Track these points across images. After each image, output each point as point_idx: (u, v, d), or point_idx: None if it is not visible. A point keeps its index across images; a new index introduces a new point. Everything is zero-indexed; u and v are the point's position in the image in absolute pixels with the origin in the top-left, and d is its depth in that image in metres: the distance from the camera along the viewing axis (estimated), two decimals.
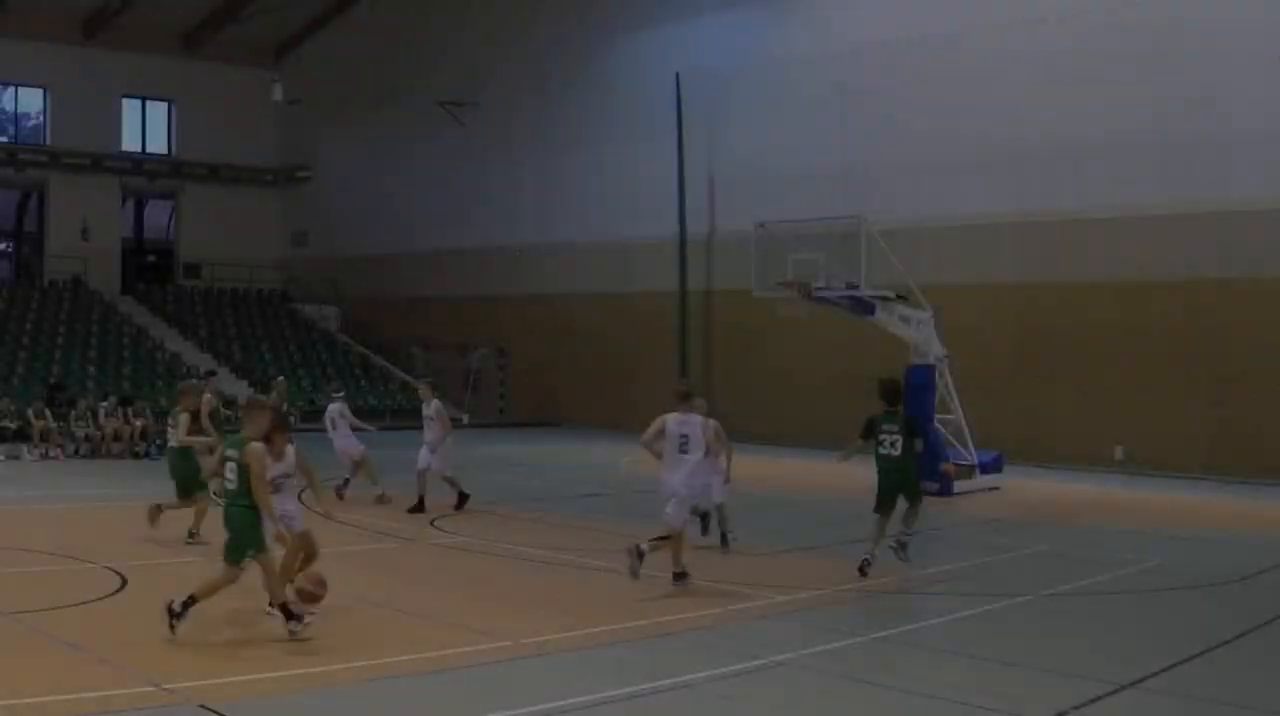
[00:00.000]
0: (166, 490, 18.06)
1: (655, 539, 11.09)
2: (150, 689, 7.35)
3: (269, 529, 9.13)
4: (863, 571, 11.61)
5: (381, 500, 16.37)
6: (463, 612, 10.00)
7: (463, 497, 16.05)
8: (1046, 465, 23.37)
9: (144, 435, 23.32)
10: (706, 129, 30.59)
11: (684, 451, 11.11)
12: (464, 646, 8.73)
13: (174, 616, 8.61)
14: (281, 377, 21.54)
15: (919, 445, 12.07)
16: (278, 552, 9.48)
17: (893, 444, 11.77)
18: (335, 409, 17.50)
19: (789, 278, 20.26)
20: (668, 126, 30.98)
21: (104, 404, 23.74)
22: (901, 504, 11.95)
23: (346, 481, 16.94)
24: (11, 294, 35.30)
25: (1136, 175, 23.26)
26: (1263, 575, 12.66)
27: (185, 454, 13.31)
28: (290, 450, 9.72)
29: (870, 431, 12.00)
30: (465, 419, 32.17)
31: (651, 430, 11.18)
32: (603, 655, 8.68)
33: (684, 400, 11.37)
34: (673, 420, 11.16)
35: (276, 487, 9.39)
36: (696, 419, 11.31)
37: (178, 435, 13.45)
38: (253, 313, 39.24)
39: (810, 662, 8.52)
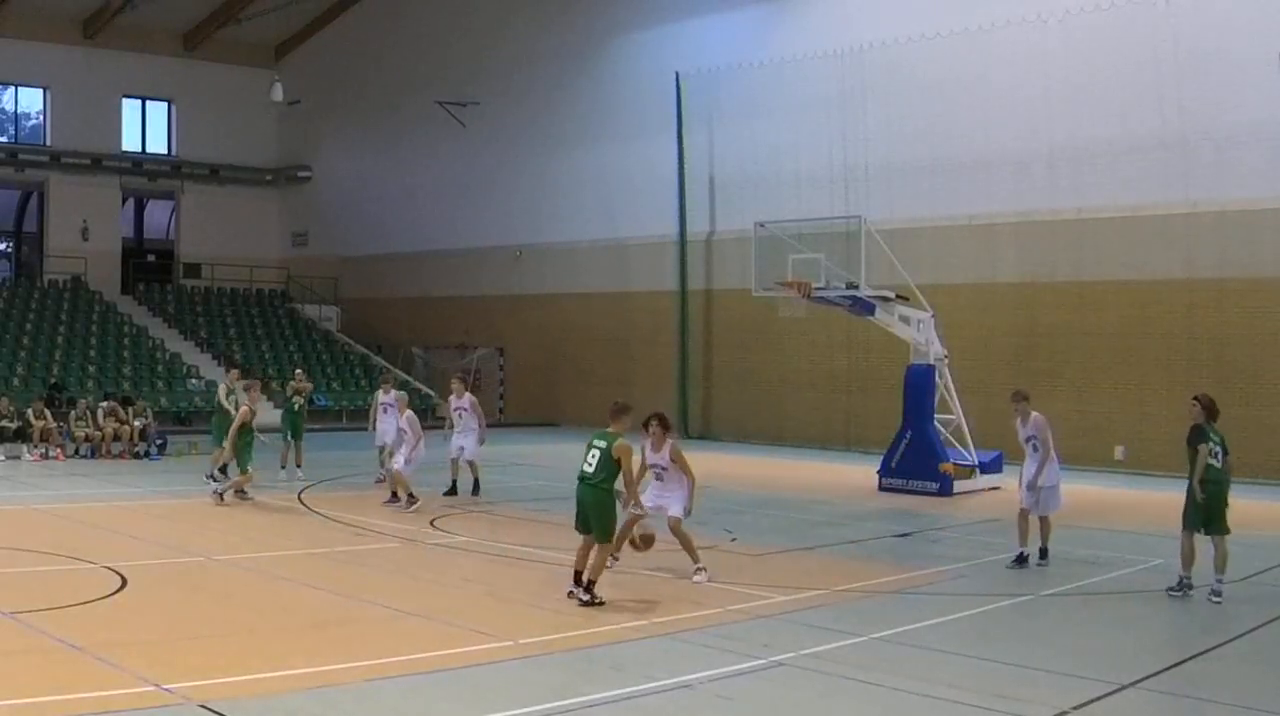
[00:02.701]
0: (165, 489, 18.12)
1: None
2: (150, 689, 7.35)
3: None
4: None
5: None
6: (463, 612, 10.00)
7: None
8: None
9: (144, 435, 23.29)
10: (706, 129, 30.59)
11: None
12: (464, 646, 8.73)
13: (591, 603, 9.90)
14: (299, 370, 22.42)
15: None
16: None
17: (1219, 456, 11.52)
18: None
19: (789, 278, 20.25)
20: (668, 126, 30.98)
21: (104, 404, 23.71)
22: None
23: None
24: (11, 294, 35.30)
25: (1136, 175, 23.26)
26: (1263, 575, 12.66)
27: None
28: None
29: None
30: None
31: None
32: (603, 655, 8.67)
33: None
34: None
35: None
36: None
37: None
38: (253, 313, 39.24)
39: (810, 662, 8.51)
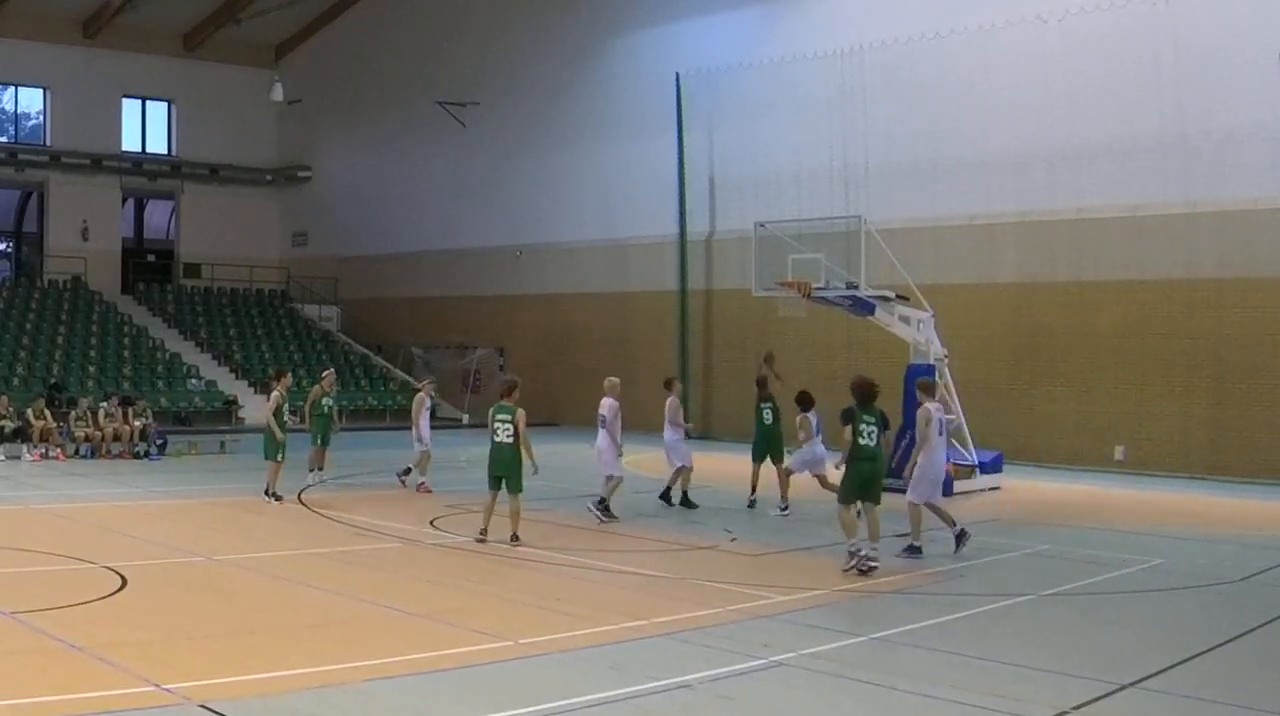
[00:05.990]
0: (165, 489, 18.12)
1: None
2: (150, 689, 7.35)
3: None
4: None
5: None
6: (463, 612, 10.01)
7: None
8: (1046, 465, 23.37)
9: (144, 435, 23.29)
10: (706, 129, 30.58)
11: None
12: (464, 646, 8.73)
13: None
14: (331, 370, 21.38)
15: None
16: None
17: (872, 436, 12.05)
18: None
19: (789, 278, 20.25)
20: (668, 126, 30.98)
21: (104, 404, 23.72)
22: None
23: (408, 470, 18.82)
24: (11, 294, 35.31)
25: (1136, 175, 23.26)
26: (1263, 575, 12.66)
27: None
28: None
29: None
30: (464, 419, 32.19)
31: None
32: (603, 655, 8.67)
33: None
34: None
35: None
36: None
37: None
38: (253, 313, 39.26)
39: (810, 662, 8.51)
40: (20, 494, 17.36)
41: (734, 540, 13.94)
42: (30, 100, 39.32)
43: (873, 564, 11.72)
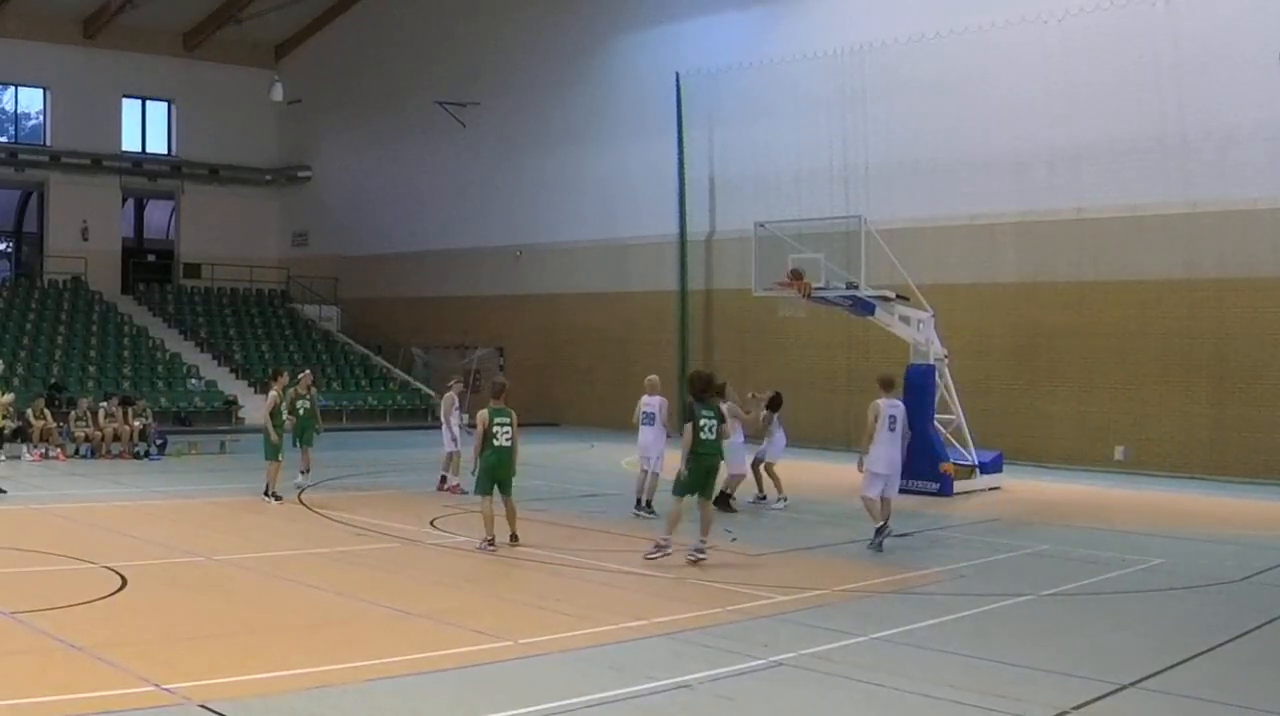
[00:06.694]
0: (165, 489, 18.10)
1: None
2: (150, 689, 7.34)
3: None
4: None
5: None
6: (463, 612, 10.00)
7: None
8: (1046, 465, 23.38)
9: (144, 435, 23.28)
10: (706, 129, 30.59)
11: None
12: (464, 646, 8.73)
13: None
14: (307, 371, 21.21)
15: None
16: None
17: (711, 429, 12.25)
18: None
19: (788, 277, 20.23)
20: (668, 126, 30.99)
21: (104, 404, 23.71)
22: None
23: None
24: (11, 294, 35.31)
25: (1136, 175, 23.27)
26: (1263, 575, 12.66)
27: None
28: None
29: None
30: (465, 418, 32.17)
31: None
32: (603, 655, 8.66)
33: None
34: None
35: None
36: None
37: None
38: (253, 313, 39.27)
39: (810, 662, 8.51)
40: (20, 494, 17.34)
41: (734, 540, 13.93)
42: (30, 100, 39.33)
43: (701, 556, 12.01)
